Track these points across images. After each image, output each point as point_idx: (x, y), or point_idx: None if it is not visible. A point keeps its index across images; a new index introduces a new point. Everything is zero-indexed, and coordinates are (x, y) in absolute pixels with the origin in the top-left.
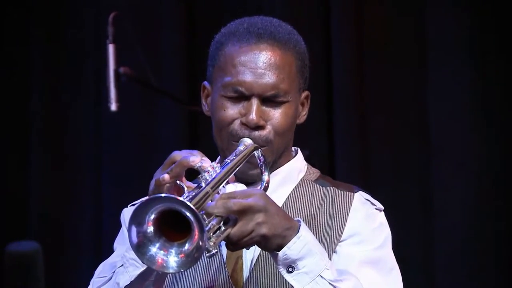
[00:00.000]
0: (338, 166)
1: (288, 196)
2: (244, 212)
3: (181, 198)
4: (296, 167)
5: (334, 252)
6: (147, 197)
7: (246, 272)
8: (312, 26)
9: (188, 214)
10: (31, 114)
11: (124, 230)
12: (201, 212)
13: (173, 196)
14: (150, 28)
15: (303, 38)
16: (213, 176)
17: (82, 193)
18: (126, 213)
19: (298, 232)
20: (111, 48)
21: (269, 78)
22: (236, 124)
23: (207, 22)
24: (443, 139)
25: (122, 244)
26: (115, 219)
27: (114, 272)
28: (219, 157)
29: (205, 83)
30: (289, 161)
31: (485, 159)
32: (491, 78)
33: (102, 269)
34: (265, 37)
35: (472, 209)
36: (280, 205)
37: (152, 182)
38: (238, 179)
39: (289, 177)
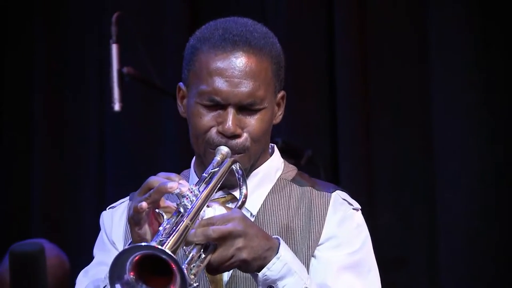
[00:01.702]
0: (342, 166)
1: (266, 197)
2: (224, 238)
3: (161, 247)
4: (273, 166)
5: (313, 256)
6: (126, 247)
7: (225, 279)
8: (316, 26)
9: (169, 260)
10: (34, 113)
11: (102, 234)
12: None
13: (152, 245)
14: (154, 28)
15: (307, 39)
16: (192, 202)
17: (85, 193)
18: (105, 216)
19: (277, 252)
20: (114, 48)
21: (245, 86)
22: (213, 132)
23: None
24: (446, 138)
25: (102, 250)
26: None
27: None
28: (194, 158)
29: (181, 84)
30: (266, 160)
31: (488, 158)
32: (495, 77)
33: (85, 286)
34: (240, 44)
35: (475, 209)
36: (258, 207)
37: (131, 207)
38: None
39: (267, 176)
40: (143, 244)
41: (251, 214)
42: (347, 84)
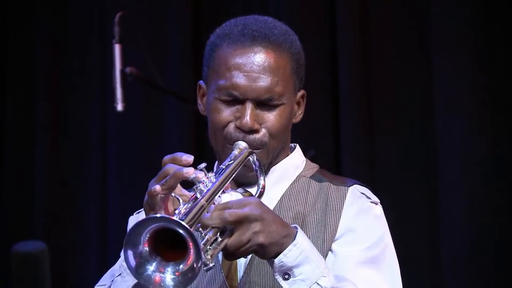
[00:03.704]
0: (344, 165)
1: (284, 193)
2: (240, 222)
3: (176, 218)
4: (293, 164)
5: (330, 250)
6: (141, 219)
7: (240, 272)
8: (317, 25)
9: (183, 233)
10: (37, 114)
11: None
12: (198, 225)
13: (167, 216)
14: (156, 28)
15: (309, 39)
16: (208, 187)
17: (87, 193)
18: (132, 221)
19: (294, 239)
20: (117, 48)
21: (263, 81)
22: (231, 127)
23: (213, 22)
24: (448, 137)
25: None
26: (121, 219)
27: (112, 281)
28: (216, 162)
29: (201, 82)
30: (285, 157)
31: (490, 158)
32: (497, 77)
33: (103, 277)
34: (259, 39)
35: (477, 208)
36: (274, 203)
37: (146, 193)
38: (235, 182)
39: (285, 174)
40: (158, 215)
41: None
42: (350, 84)
